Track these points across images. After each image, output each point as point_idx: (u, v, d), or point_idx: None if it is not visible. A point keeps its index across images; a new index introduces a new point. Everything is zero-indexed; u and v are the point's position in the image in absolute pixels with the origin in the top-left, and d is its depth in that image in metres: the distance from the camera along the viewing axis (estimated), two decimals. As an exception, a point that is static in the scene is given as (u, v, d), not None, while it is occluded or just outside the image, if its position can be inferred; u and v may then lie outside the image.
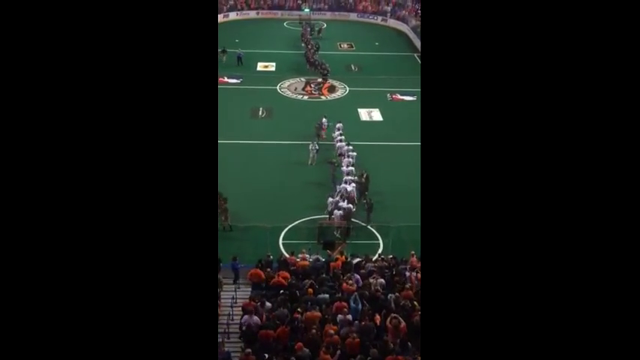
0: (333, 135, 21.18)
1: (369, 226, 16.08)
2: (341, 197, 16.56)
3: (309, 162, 19.83)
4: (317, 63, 29.42)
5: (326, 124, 21.99)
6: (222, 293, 12.25)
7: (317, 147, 19.97)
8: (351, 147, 19.54)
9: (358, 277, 12.19)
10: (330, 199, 16.45)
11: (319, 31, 35.57)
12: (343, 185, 17.17)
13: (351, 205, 16.21)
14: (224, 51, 30.07)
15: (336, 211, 15.85)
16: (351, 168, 18.28)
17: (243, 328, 10.47)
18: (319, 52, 31.33)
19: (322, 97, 25.13)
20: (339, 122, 21.63)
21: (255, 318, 10.37)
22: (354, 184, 17.07)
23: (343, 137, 20.53)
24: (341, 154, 19.54)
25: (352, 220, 15.90)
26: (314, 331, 9.90)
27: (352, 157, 18.96)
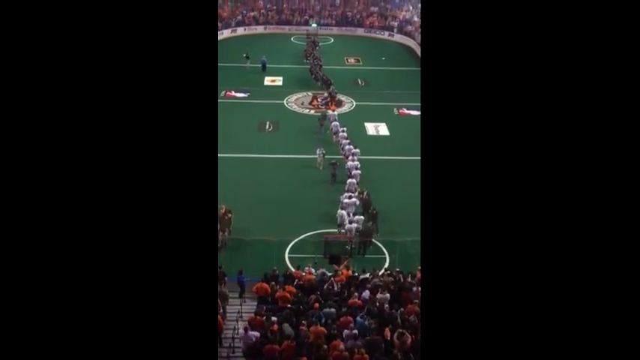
0: (336, 138, 22.23)
1: (375, 240, 15.98)
2: (349, 198, 16.87)
3: (317, 166, 20.47)
4: (321, 77, 29.56)
5: (337, 127, 22.77)
6: (227, 307, 12.17)
7: (324, 151, 20.57)
8: (354, 147, 20.43)
9: (367, 291, 12.10)
10: (340, 211, 16.43)
11: (316, 44, 35.82)
12: (351, 180, 17.94)
13: (362, 217, 16.24)
14: (247, 56, 31.54)
15: (348, 225, 15.81)
16: (356, 162, 19.12)
17: (242, 344, 10.40)
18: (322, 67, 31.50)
19: (329, 111, 25.26)
20: (344, 126, 22.61)
21: (254, 332, 10.27)
22: (356, 199, 17.21)
23: (348, 140, 21.34)
24: (345, 155, 20.32)
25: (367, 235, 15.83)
26: (320, 346, 9.80)
27: (356, 155, 19.82)
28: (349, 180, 18.20)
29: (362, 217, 16.31)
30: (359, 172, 18.84)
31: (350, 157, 19.85)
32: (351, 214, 16.34)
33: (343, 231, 15.97)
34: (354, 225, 15.82)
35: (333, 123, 23.56)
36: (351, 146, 20.58)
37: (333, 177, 19.46)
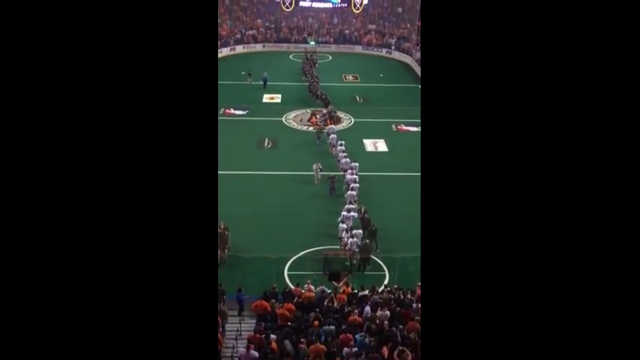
0: (334, 151, 22.43)
1: (374, 257, 15.94)
2: (349, 212, 17.04)
3: (315, 181, 20.59)
4: (320, 95, 29.74)
5: (335, 140, 23.13)
6: (226, 325, 12.10)
7: (321, 166, 20.74)
8: (353, 160, 20.62)
9: (368, 309, 12.04)
10: (341, 225, 16.48)
11: (314, 62, 36.08)
12: (350, 192, 18.23)
13: (360, 231, 16.29)
14: (249, 74, 32.29)
15: (350, 240, 15.83)
16: (355, 176, 19.41)
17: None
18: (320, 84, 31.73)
19: (328, 127, 25.45)
20: (342, 140, 22.91)
21: (254, 352, 10.21)
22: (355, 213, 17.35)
23: (345, 153, 21.68)
24: (344, 170, 20.58)
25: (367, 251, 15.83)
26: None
27: (355, 169, 19.98)
28: (348, 192, 18.41)
29: (360, 231, 16.34)
30: (357, 185, 19.03)
31: (349, 171, 20.04)
32: (350, 226, 16.41)
33: (343, 244, 15.97)
34: (355, 240, 15.83)
35: (331, 136, 23.89)
36: (349, 159, 20.88)
37: (332, 191, 19.59)
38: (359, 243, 15.84)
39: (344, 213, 17.04)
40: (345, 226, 16.48)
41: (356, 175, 19.70)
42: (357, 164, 20.42)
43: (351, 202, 17.89)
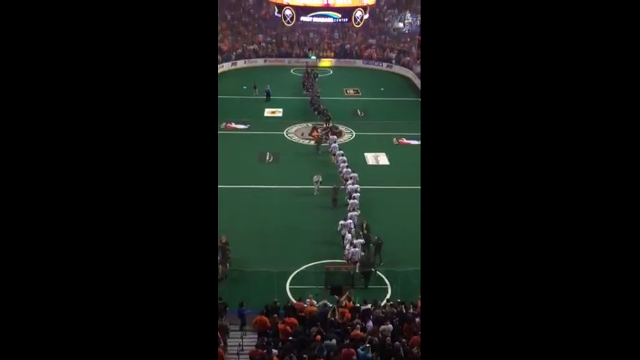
0: (334, 159, 22.83)
1: (377, 271, 15.90)
2: (351, 219, 17.32)
3: (314, 192, 20.78)
4: (322, 110, 29.85)
5: (336, 149, 23.48)
6: (228, 340, 12.04)
7: (320, 179, 20.91)
8: (352, 171, 20.85)
9: (371, 323, 11.99)
10: (348, 235, 16.55)
11: (315, 76, 36.28)
12: (352, 201, 18.43)
13: (362, 240, 16.37)
14: (255, 87, 33.11)
15: (353, 249, 15.85)
16: (356, 186, 19.65)
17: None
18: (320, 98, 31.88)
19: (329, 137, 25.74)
20: (341, 150, 23.32)
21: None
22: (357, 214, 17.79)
23: (346, 163, 21.85)
24: (344, 179, 20.81)
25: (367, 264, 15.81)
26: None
27: (355, 179, 20.19)
28: (350, 201, 18.61)
29: (362, 240, 16.42)
30: (359, 194, 19.22)
31: (350, 181, 20.20)
32: (353, 234, 16.60)
33: (346, 253, 16.06)
34: (357, 249, 15.87)
35: (332, 145, 24.17)
36: (349, 169, 21.14)
37: (334, 201, 19.79)
38: (362, 253, 15.86)
39: (341, 222, 17.29)
40: (350, 235, 16.55)
41: (357, 184, 19.86)
42: (356, 175, 20.60)
43: (354, 209, 18.13)
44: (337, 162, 22.53)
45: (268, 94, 32.65)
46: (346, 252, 16.07)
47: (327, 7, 36.79)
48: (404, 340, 11.25)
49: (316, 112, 30.02)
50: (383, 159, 24.96)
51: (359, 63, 41.48)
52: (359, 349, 10.72)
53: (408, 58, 40.05)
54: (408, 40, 42.27)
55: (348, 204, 18.69)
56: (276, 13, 38.15)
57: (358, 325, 11.77)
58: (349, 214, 17.91)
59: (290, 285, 15.29)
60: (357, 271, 15.62)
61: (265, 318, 12.17)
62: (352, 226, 17.17)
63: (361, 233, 17.09)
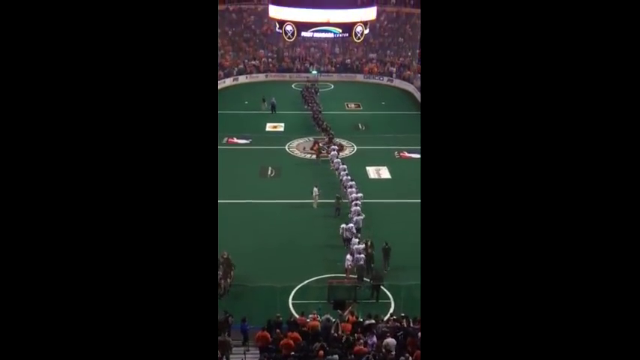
0: (336, 170, 23.02)
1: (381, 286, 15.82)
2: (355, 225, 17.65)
3: (314, 205, 20.89)
4: (324, 127, 29.95)
5: (337, 160, 23.82)
6: (231, 356, 11.96)
7: (318, 192, 21.07)
8: (351, 179, 21.29)
9: (375, 338, 11.90)
10: (354, 240, 16.65)
11: (316, 91, 36.47)
12: (355, 207, 18.67)
13: (363, 246, 16.53)
14: (263, 100, 33.75)
15: (357, 255, 15.93)
16: (360, 194, 19.89)
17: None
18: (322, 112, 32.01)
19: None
20: (343, 163, 23.54)
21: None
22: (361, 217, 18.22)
23: (347, 170, 22.22)
24: (345, 187, 21.06)
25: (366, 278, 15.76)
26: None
27: (353, 187, 20.49)
28: (353, 209, 18.78)
29: (363, 245, 16.60)
30: (360, 202, 19.41)
31: (350, 189, 20.48)
32: (358, 235, 16.86)
33: (347, 264, 16.11)
34: (361, 256, 15.98)
35: (331, 153, 24.62)
36: (349, 177, 21.50)
37: (337, 210, 19.90)
38: (364, 259, 16.06)
39: (343, 226, 17.68)
40: (357, 240, 16.71)
41: (360, 193, 20.09)
42: (354, 183, 20.93)
43: (358, 214, 18.33)
44: (338, 172, 22.70)
45: (274, 107, 33.11)
46: (347, 262, 16.03)
47: (328, 23, 37.08)
48: (407, 354, 11.15)
49: (318, 129, 30.11)
50: (385, 173, 24.97)
51: (360, 77, 41.70)
52: (362, 364, 10.63)
53: (409, 72, 40.25)
54: (409, 54, 42.46)
55: (350, 212, 18.86)
56: (277, 29, 38.41)
57: (361, 340, 11.68)
58: (354, 218, 18.16)
59: (293, 300, 15.22)
60: (365, 279, 15.60)
61: (267, 333, 12.09)
62: (354, 230, 17.39)
63: (367, 252, 17.04)
